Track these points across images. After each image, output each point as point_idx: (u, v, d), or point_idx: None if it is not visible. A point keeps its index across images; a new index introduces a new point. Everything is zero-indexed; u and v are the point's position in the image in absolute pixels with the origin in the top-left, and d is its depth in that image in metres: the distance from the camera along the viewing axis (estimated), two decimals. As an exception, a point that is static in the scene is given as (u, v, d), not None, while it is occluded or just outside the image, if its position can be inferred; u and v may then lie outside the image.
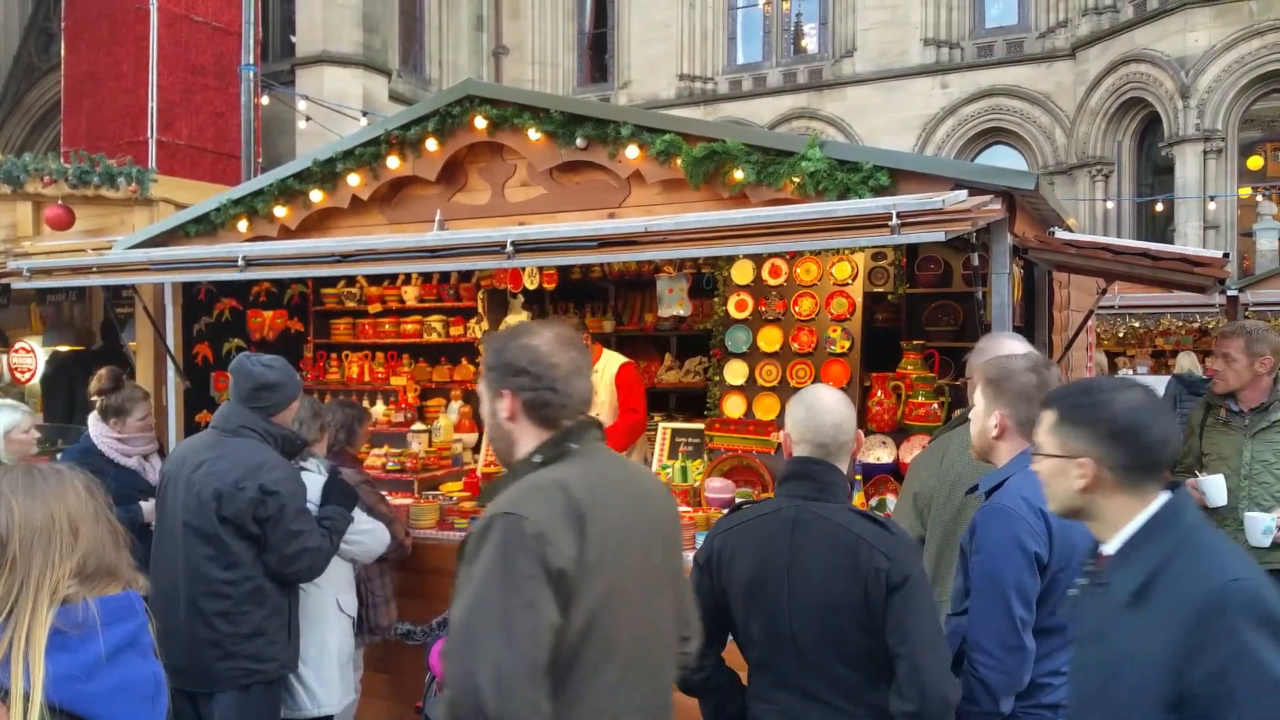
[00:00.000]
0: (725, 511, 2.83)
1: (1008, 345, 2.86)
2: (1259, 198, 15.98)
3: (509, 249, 3.82)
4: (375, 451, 5.72)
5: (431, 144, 4.67)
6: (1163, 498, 1.77)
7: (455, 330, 6.55)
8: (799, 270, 5.41)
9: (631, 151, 4.25)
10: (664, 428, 5.63)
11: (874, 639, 2.19)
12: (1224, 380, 4.09)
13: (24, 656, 1.39)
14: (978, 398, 2.54)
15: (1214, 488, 3.97)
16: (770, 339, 5.39)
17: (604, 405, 5.68)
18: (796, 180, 3.88)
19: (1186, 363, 9.53)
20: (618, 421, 5.60)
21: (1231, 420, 4.07)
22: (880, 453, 4.82)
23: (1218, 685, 1.56)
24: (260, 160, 11.90)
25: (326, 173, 4.90)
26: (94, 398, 4.63)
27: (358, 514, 3.79)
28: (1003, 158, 18.78)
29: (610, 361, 5.76)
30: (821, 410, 2.37)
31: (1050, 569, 2.29)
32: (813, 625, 2.23)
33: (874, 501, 4.47)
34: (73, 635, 1.44)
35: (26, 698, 1.36)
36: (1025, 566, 2.26)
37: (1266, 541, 3.84)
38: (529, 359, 1.96)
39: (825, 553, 2.24)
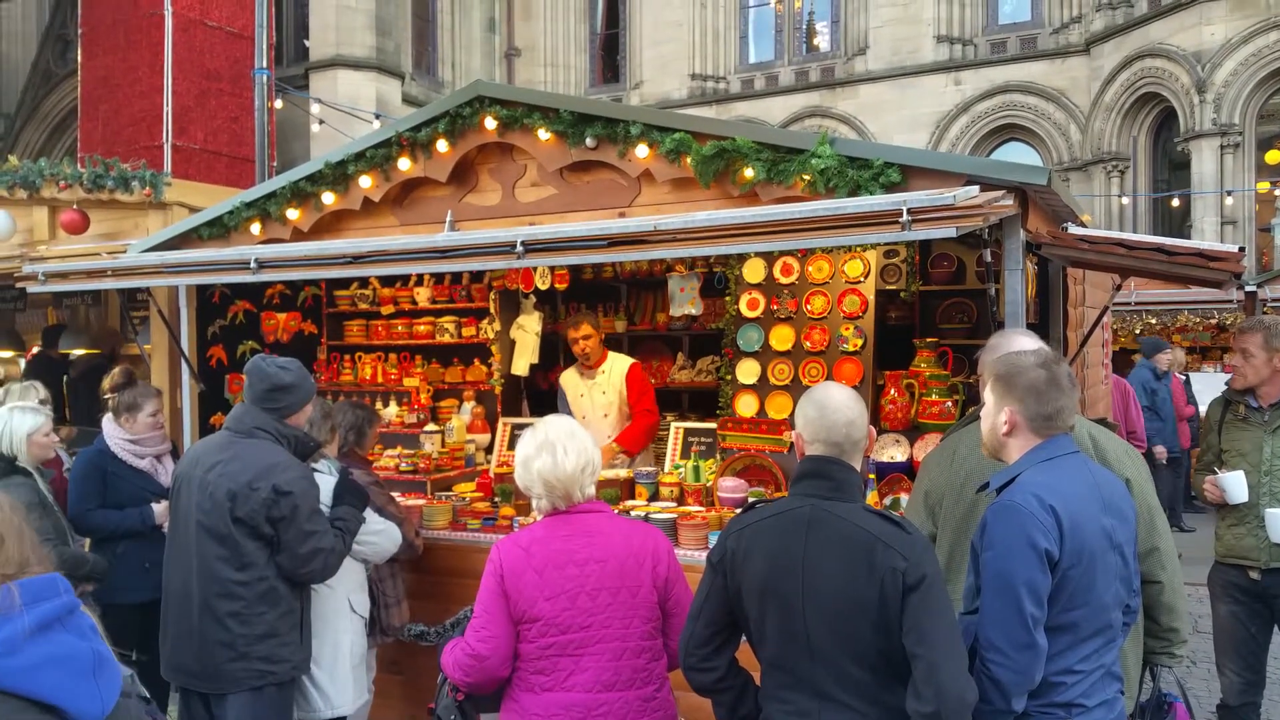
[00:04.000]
0: (738, 511, 2.82)
1: (1019, 342, 2.83)
2: (1277, 192, 15.82)
3: (519, 249, 3.81)
4: (389, 452, 5.74)
5: (442, 145, 4.68)
6: None
7: (468, 331, 6.56)
8: (811, 268, 5.39)
9: (641, 150, 4.24)
10: (676, 427, 5.62)
11: (889, 639, 2.17)
12: (1243, 376, 4.05)
13: None
14: (987, 395, 2.52)
15: (1235, 484, 3.93)
16: (782, 337, 5.36)
17: (612, 406, 5.68)
18: (807, 178, 3.86)
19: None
20: (635, 422, 5.60)
21: (1251, 416, 4.03)
22: (894, 451, 4.79)
23: None
24: (274, 164, 11.96)
25: (338, 174, 4.91)
26: (106, 396, 4.67)
27: (369, 514, 3.80)
28: (1017, 154, 18.68)
29: (617, 363, 5.75)
30: (832, 409, 2.35)
31: (1061, 566, 2.26)
32: (827, 625, 2.21)
33: (888, 500, 4.45)
34: None
35: None
36: (1036, 563, 2.22)
37: (1288, 538, 3.81)
38: None
39: (840, 552, 2.22)
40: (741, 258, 5.50)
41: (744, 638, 2.44)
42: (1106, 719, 2.35)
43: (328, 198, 4.96)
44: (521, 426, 5.63)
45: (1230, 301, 11.89)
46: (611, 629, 2.63)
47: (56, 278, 5.13)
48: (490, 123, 4.55)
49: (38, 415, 4.31)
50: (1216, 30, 15.78)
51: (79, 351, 7.81)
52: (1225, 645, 4.13)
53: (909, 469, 4.63)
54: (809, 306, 5.33)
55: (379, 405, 6.40)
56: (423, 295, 6.66)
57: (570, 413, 5.76)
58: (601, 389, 5.70)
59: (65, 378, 7.67)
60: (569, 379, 5.87)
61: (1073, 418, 2.47)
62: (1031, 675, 2.24)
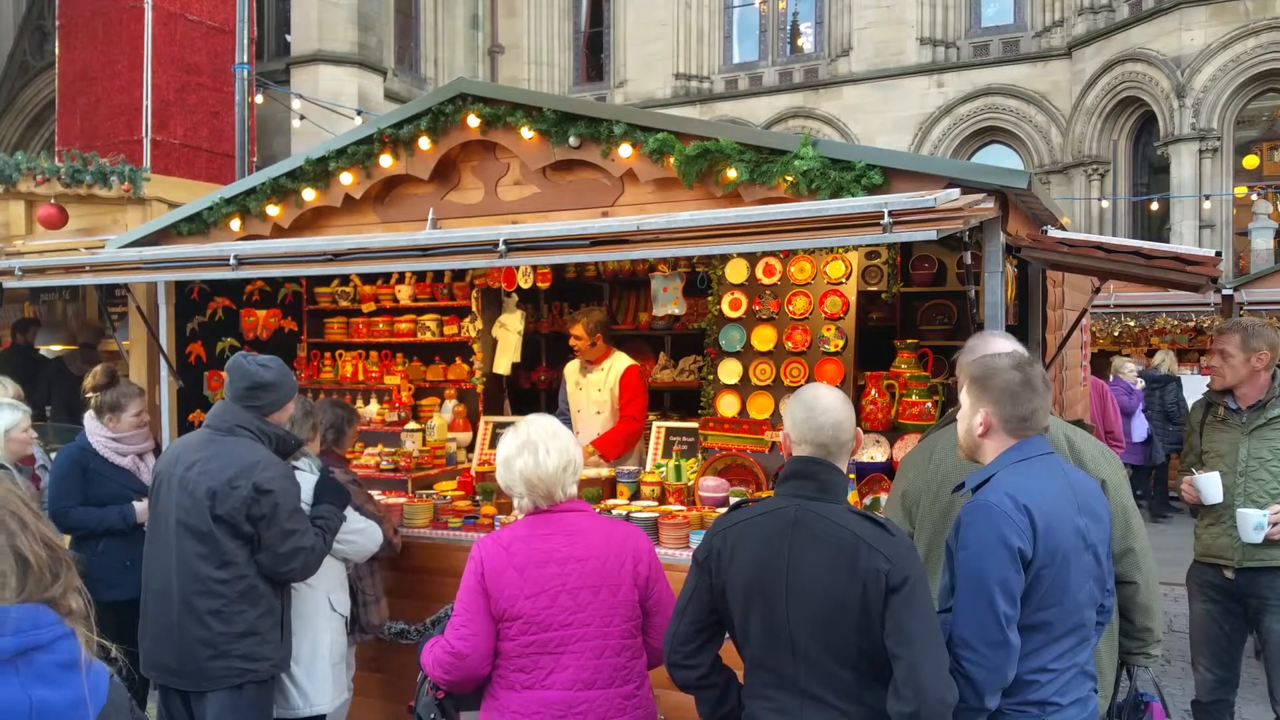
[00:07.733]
0: (721, 510, 2.83)
1: (996, 344, 2.86)
2: (1254, 197, 16.00)
3: (501, 248, 3.81)
4: (369, 450, 5.72)
5: (424, 142, 4.66)
6: None
7: (449, 329, 6.54)
8: (793, 269, 5.41)
9: (624, 150, 4.24)
10: (658, 426, 5.63)
11: (872, 639, 2.18)
12: (1220, 376, 4.09)
13: None
14: (963, 397, 2.54)
15: (1209, 485, 3.97)
16: (764, 338, 5.38)
17: (605, 404, 5.67)
18: (789, 179, 3.87)
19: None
20: (617, 426, 5.59)
21: (1229, 418, 4.07)
22: (874, 451, 4.82)
23: None
24: (255, 159, 11.88)
25: (319, 171, 4.88)
26: (88, 395, 4.62)
27: (350, 513, 3.78)
28: (999, 157, 18.80)
29: (617, 363, 5.72)
30: (820, 410, 2.37)
31: (1034, 565, 2.28)
32: (811, 624, 2.23)
33: (868, 500, 4.47)
34: None
35: None
36: (1009, 562, 2.24)
37: (1259, 537, 3.85)
38: None
39: (825, 552, 2.24)
40: (724, 258, 5.52)
41: (728, 636, 2.45)
42: (1079, 717, 2.37)
43: (308, 194, 4.94)
44: (503, 425, 5.62)
45: (1207, 304, 12.02)
46: (592, 627, 2.63)
47: (34, 273, 5.08)
48: (473, 120, 4.54)
49: (15, 410, 4.27)
50: (1196, 36, 15.94)
51: (57, 347, 7.74)
52: (1200, 642, 4.19)
53: (889, 469, 4.66)
54: (791, 307, 5.36)
55: (360, 403, 6.38)
56: (404, 293, 6.64)
57: (568, 401, 5.77)
58: (597, 386, 5.69)
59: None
60: (570, 369, 5.89)
61: (1046, 419, 2.50)
62: (1004, 673, 2.26)
